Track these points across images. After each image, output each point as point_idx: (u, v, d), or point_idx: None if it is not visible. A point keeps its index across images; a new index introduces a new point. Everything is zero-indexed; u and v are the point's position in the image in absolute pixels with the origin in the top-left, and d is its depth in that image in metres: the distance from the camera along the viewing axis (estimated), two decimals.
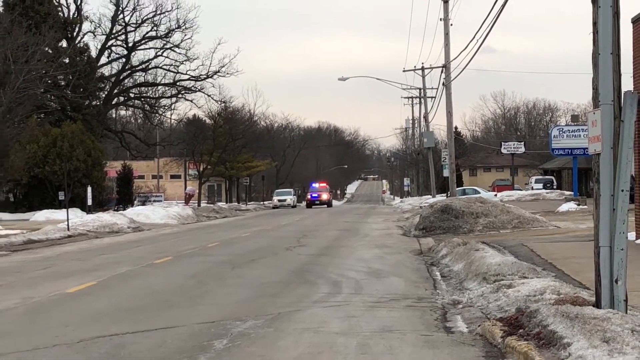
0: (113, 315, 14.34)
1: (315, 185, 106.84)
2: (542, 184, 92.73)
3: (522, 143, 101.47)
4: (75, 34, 77.66)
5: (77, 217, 47.37)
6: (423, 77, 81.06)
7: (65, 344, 11.68)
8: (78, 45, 76.64)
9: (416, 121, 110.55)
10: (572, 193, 68.25)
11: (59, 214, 52.98)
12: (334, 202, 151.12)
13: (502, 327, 11.29)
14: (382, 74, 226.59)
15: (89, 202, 53.11)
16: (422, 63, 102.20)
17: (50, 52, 62.09)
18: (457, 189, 60.63)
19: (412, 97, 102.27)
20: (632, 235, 21.34)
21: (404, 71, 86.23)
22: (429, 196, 77.06)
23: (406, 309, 14.36)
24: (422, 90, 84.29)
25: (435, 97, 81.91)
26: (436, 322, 13.00)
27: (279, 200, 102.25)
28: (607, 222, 10.97)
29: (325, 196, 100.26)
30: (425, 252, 26.68)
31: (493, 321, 11.96)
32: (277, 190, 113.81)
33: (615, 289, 10.93)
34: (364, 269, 21.60)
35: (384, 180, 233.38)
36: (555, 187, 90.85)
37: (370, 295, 16.27)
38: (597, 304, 11.13)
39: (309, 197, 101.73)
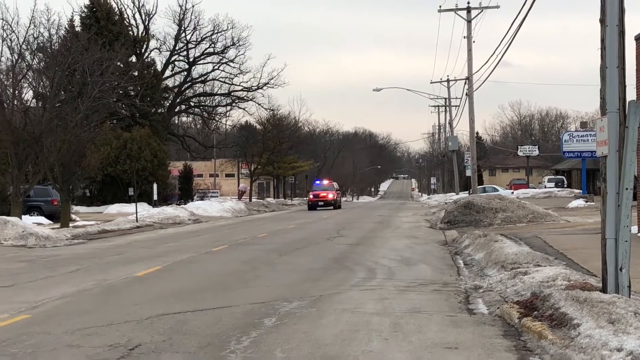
0: (176, 296, 14.43)
1: (320, 182, 74.83)
2: (554, 183, 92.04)
3: (536, 146, 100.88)
4: (143, 50, 78.15)
5: (144, 210, 47.67)
6: (448, 88, 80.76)
7: (135, 320, 11.76)
8: (146, 60, 77.08)
9: (442, 127, 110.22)
10: (581, 191, 67.80)
11: (129, 208, 53.32)
12: (366, 198, 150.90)
13: (518, 309, 11.23)
14: (411, 85, 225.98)
15: (155, 197, 53.31)
16: (448, 76, 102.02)
17: (122, 66, 62.50)
18: (478, 187, 60.42)
19: (438, 106, 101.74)
20: (635, 229, 21.16)
21: (431, 83, 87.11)
22: (453, 193, 76.81)
23: (433, 293, 14.32)
24: (447, 99, 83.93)
25: (459, 106, 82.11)
26: (460, 305, 12.95)
27: None
28: (613, 217, 10.92)
29: (331, 195, 69.92)
30: (449, 242, 26.58)
31: (510, 304, 11.90)
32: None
33: (619, 276, 10.90)
34: (395, 257, 21.56)
35: (413, 179, 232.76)
36: (565, 185, 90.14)
37: (401, 280, 16.24)
38: (604, 290, 11.08)
39: (311, 196, 70.06)
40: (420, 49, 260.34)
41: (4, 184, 38.32)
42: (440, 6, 50.91)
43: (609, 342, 8.35)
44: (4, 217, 31.98)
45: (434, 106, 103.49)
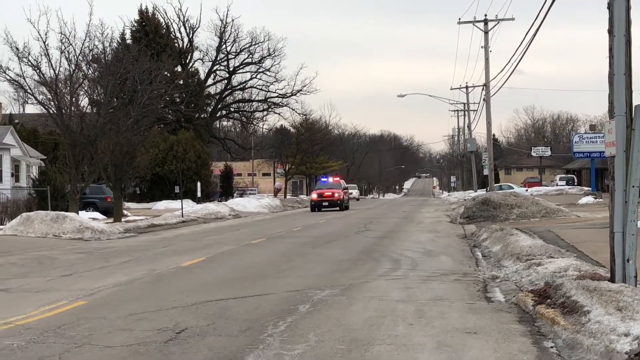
0: (218, 284, 14.48)
1: (327, 179, 61.09)
2: (565, 181, 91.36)
3: (549, 148, 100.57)
4: (188, 60, 78.58)
5: (189, 206, 47.88)
6: (467, 94, 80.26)
7: (181, 306, 11.82)
8: (190, 70, 77.52)
9: (461, 130, 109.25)
10: (590, 189, 67.47)
11: (175, 204, 53.62)
12: (391, 195, 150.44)
13: (533, 297, 11.17)
14: (433, 91, 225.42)
15: (198, 194, 53.61)
16: (466, 82, 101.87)
17: (169, 75, 62.85)
18: (495, 185, 60.06)
19: (457, 110, 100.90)
20: None
21: (451, 89, 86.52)
22: (472, 191, 76.42)
23: (454, 282, 14.26)
24: (466, 104, 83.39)
25: (477, 110, 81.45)
26: (478, 293, 12.88)
27: None
28: (621, 212, 10.84)
29: (337, 195, 56.26)
30: (468, 236, 26.48)
31: (525, 293, 11.84)
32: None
33: (627, 267, 10.81)
34: (419, 249, 21.51)
35: (434, 178, 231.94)
36: (576, 183, 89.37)
37: (424, 270, 16.20)
38: (612, 279, 11.00)
39: (314, 195, 56.78)
40: (441, 57, 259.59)
41: (63, 182, 38.62)
42: (459, 18, 50.66)
43: (617, 328, 8.28)
44: (63, 212, 32.27)
45: (454, 110, 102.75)
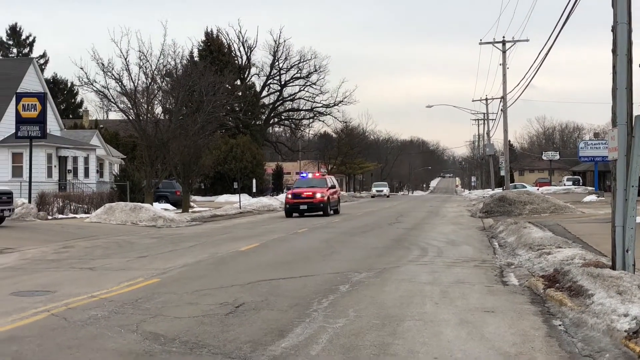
0: (271, 266, 14.53)
1: (306, 175, 42.35)
2: (571, 182, 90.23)
3: (557, 152, 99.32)
4: (246, 75, 78.97)
5: (245, 200, 48.12)
6: (486, 105, 79.61)
7: (239, 284, 11.88)
8: (248, 83, 77.93)
9: (481, 136, 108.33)
10: (594, 188, 66.66)
11: (234, 197, 53.92)
12: (419, 193, 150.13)
13: (543, 282, 11.04)
14: (456, 102, 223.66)
15: (254, 189, 53.81)
16: (486, 95, 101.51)
17: (229, 88, 63.21)
18: (510, 184, 59.46)
19: (478, 119, 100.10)
20: (639, 219, 20.58)
21: (472, 101, 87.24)
22: (490, 189, 75.67)
23: (474, 268, 14.15)
24: (485, 114, 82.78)
25: (495, 119, 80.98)
26: (495, 277, 12.76)
27: (377, 191, 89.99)
28: (621, 209, 10.71)
29: (319, 195, 36.29)
30: (487, 228, 26.24)
31: (537, 278, 11.70)
32: (375, 183, 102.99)
33: (626, 257, 10.69)
34: (443, 239, 21.37)
35: (456, 178, 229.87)
36: (581, 184, 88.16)
37: (448, 257, 16.10)
38: (613, 267, 10.86)
39: (289, 196, 37.00)
40: (463, 72, 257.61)
41: (140, 178, 39.06)
42: (481, 39, 50.41)
43: (617, 309, 8.17)
44: (140, 203, 32.63)
45: (475, 119, 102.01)
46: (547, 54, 26.90)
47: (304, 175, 41.71)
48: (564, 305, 9.29)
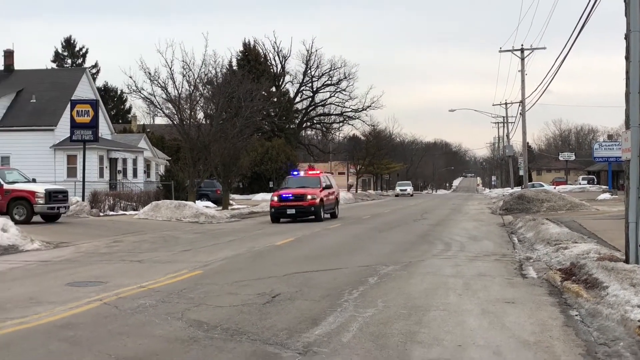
0: (304, 259, 14.54)
1: (298, 174, 33.22)
2: (586, 181, 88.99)
3: (573, 153, 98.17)
4: (280, 83, 79.17)
5: None
6: (506, 109, 79.02)
7: (275, 276, 11.91)
8: (282, 90, 78.11)
9: (500, 138, 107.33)
10: (608, 187, 65.69)
11: (269, 196, 53.95)
12: (442, 191, 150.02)
13: (560, 274, 10.93)
14: (477, 106, 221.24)
15: None
16: (505, 100, 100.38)
17: (265, 94, 63.36)
18: (528, 183, 58.80)
19: (498, 122, 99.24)
20: None
21: (493, 105, 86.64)
22: (509, 188, 75.06)
23: (495, 262, 14.03)
24: (505, 117, 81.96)
25: (514, 122, 79.83)
26: (515, 271, 12.65)
27: (400, 190, 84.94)
28: (634, 206, 10.56)
29: (310, 197, 28.09)
30: (507, 224, 26.00)
31: (554, 271, 11.59)
32: (398, 182, 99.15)
33: (639, 251, 10.52)
34: (465, 234, 21.23)
35: (478, 177, 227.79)
36: (595, 183, 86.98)
37: (470, 252, 15.99)
38: (627, 261, 10.72)
39: (275, 199, 28.57)
40: (483, 77, 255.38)
41: (183, 178, 39.36)
42: (500, 47, 49.83)
43: (630, 300, 8.06)
44: (183, 201, 32.89)
45: (495, 122, 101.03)
46: (562, 62, 26.63)
47: (296, 173, 32.96)
48: (580, 296, 9.18)
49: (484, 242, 18.69)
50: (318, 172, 30.53)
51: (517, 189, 56.86)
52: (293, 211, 28.00)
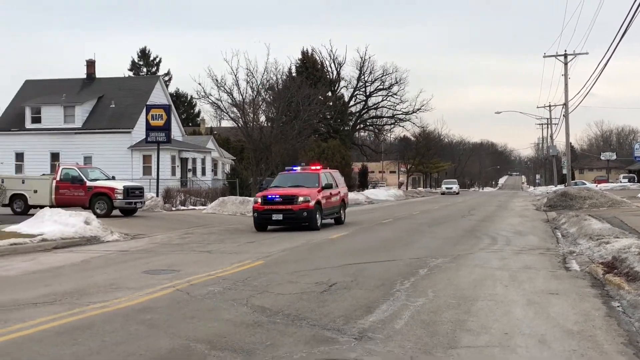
0: (358, 252, 14.52)
1: (295, 169, 23.80)
2: (627, 179, 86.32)
3: (614, 153, 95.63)
4: (336, 88, 79.10)
5: None
6: (550, 111, 77.27)
7: (330, 267, 11.94)
8: (337, 94, 78.06)
9: (544, 139, 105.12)
10: None
11: None
12: (488, 189, 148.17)
13: (602, 268, 10.65)
14: (522, 109, 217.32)
15: None
16: (549, 102, 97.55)
17: (322, 98, 63.50)
18: (571, 181, 57.43)
19: (542, 124, 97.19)
20: None
21: (537, 107, 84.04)
22: (553, 186, 73.39)
23: (539, 255, 13.76)
24: (548, 119, 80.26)
25: (557, 124, 78.26)
26: (559, 264, 12.37)
27: (446, 188, 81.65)
28: None
29: (302, 199, 20.16)
30: (550, 220, 25.42)
31: (597, 264, 11.29)
32: (444, 180, 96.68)
33: None
34: (511, 229, 20.86)
35: (522, 176, 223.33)
36: (636, 181, 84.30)
37: (516, 246, 15.70)
38: None
39: (259, 201, 20.61)
40: (528, 82, 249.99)
41: (247, 176, 39.84)
42: (544, 53, 48.98)
43: None
44: (247, 197, 33.22)
45: (539, 124, 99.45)
46: (605, 66, 25.93)
47: (293, 168, 24.35)
48: (621, 288, 8.93)
49: (529, 236, 18.34)
50: (318, 168, 23.34)
51: (561, 187, 55.56)
52: (280, 217, 20.24)
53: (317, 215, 20.89)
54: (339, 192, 23.83)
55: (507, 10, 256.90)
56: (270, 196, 20.65)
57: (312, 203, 20.55)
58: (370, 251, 14.66)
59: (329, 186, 22.40)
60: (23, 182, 26.80)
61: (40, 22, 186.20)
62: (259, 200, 20.89)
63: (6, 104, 51.75)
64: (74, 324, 7.36)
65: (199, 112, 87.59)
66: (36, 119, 45.97)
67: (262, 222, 20.77)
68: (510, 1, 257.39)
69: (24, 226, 17.83)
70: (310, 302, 8.53)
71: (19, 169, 45.16)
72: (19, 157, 46.01)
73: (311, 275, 10.92)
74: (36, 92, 47.94)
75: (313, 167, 23.88)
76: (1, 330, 7.02)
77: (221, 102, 40.52)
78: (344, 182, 25.97)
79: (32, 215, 20.00)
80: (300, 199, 20.47)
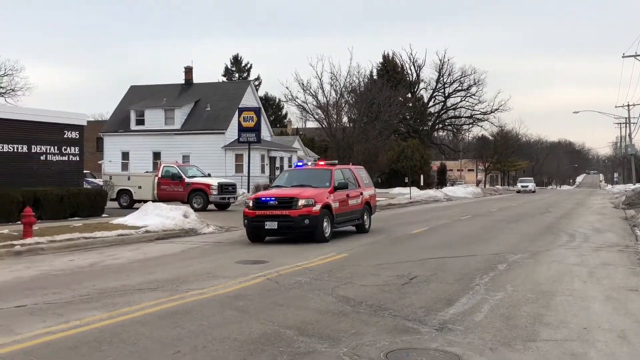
0: (438, 246, 14.36)
1: (303, 164, 19.96)
2: None
3: None
4: (415, 89, 78.33)
5: (414, 192, 47.72)
6: (629, 110, 73.77)
7: (411, 261, 11.86)
8: (417, 95, 77.24)
9: (623, 138, 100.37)
10: None
11: (405, 190, 53.50)
12: (566, 187, 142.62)
13: None
14: (600, 108, 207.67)
15: (421, 183, 53.30)
16: (628, 102, 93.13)
17: (402, 100, 63.05)
18: None
19: (620, 123, 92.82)
20: None
21: (615, 107, 79.93)
22: (631, 184, 69.93)
23: (617, 252, 13.17)
24: (627, 118, 76.58)
25: (636, 123, 74.49)
26: (638, 261, 11.81)
27: (522, 186, 76.78)
28: None
29: (304, 202, 14.72)
30: (629, 218, 24.25)
31: None
32: (520, 179, 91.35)
33: None
34: (589, 227, 20.06)
35: (600, 174, 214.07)
36: None
37: (594, 243, 15.10)
38: None
39: (250, 205, 15.16)
40: (604, 81, 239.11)
41: None
42: (624, 53, 46.63)
43: None
44: None
45: (617, 123, 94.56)
46: None
47: (300, 164, 20.74)
48: None
49: (607, 234, 17.59)
50: (335, 163, 18.57)
51: (639, 185, 52.87)
52: (274, 225, 15.07)
53: (325, 223, 15.40)
54: (361, 194, 18.10)
55: (587, 10, 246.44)
56: (264, 198, 15.37)
57: (316, 207, 15.09)
58: (449, 246, 14.44)
59: (343, 186, 16.83)
60: (129, 179, 28.03)
61: (147, 33, 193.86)
62: (250, 203, 15.49)
63: (113, 107, 54.19)
64: (175, 308, 7.64)
65: (286, 114, 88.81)
66: (140, 121, 47.90)
67: (254, 231, 15.37)
68: (588, 2, 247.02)
69: (130, 219, 18.63)
70: (392, 294, 8.50)
71: (124, 166, 47.25)
72: (125, 156, 48.12)
73: (392, 268, 10.88)
74: (139, 97, 49.97)
75: (321, 162, 18.85)
76: (111, 313, 7.39)
77: (306, 104, 40.99)
78: (371, 181, 20.70)
79: (137, 209, 20.86)
80: (301, 202, 15.04)
